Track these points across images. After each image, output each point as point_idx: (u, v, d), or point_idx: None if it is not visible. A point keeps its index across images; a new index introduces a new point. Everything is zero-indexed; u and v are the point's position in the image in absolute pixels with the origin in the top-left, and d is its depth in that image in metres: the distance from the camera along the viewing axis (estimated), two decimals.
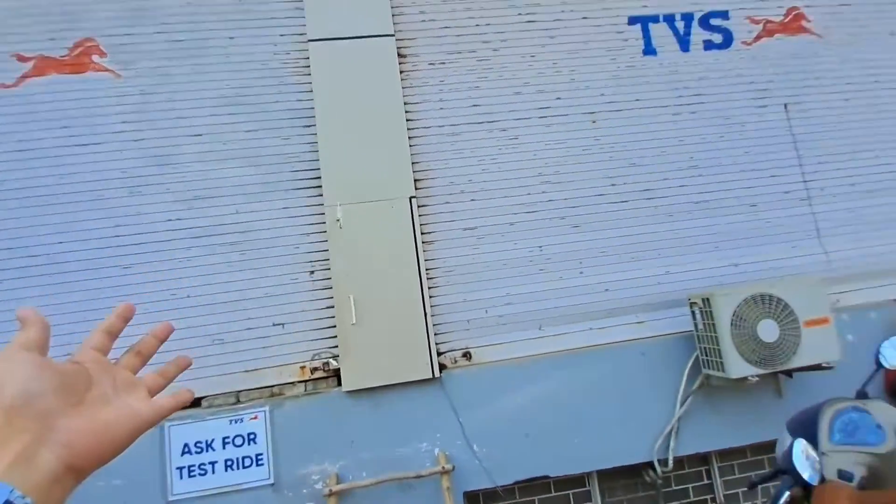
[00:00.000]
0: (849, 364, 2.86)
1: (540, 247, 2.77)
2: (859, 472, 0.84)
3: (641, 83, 3.05)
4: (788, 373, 2.57)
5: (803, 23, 3.33)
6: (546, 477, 2.56)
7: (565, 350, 2.65)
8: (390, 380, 2.47)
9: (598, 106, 2.98)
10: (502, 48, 2.98)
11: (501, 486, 2.50)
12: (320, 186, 2.64)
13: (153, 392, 0.45)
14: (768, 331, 2.47)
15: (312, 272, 2.61)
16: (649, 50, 3.12)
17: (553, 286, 2.73)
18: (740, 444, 2.75)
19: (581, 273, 2.77)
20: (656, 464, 2.60)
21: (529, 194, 2.83)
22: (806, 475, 0.87)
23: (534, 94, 2.95)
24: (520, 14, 3.02)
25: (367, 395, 2.47)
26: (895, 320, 3.10)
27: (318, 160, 2.66)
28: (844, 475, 0.83)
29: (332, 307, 2.53)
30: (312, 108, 2.70)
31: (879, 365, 0.95)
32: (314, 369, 2.52)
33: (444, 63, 2.91)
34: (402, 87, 2.78)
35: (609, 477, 2.68)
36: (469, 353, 2.65)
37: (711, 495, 2.82)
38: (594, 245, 2.80)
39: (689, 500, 2.79)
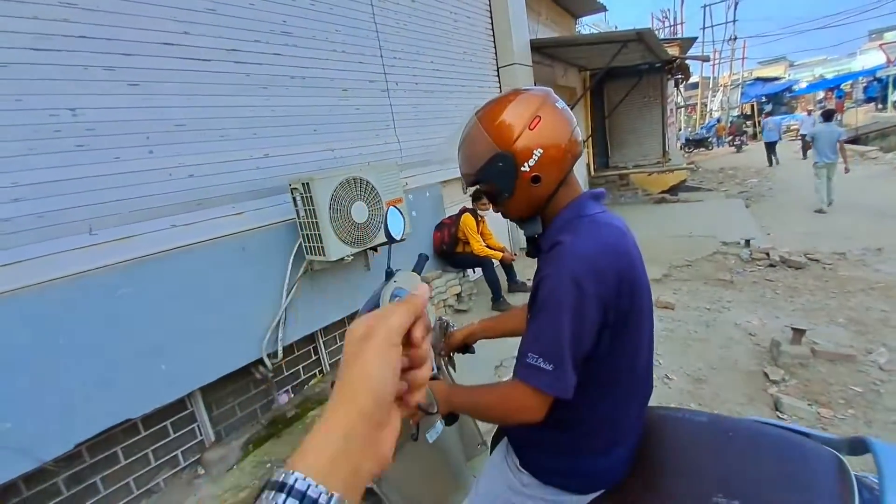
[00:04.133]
0: (414, 235, 3.58)
1: (72, 110, 1.81)
2: None
3: None
4: (374, 248, 2.91)
5: None
6: (128, 421, 1.98)
7: (135, 258, 1.96)
8: None
9: None
10: None
11: (54, 461, 1.76)
12: None
13: None
14: (360, 212, 2.64)
15: None
16: None
17: (105, 170, 1.89)
18: (340, 317, 3.01)
19: (151, 153, 2.03)
20: (265, 359, 2.48)
21: (39, 19, 1.73)
22: None
23: None
24: None
25: None
26: (439, 198, 4.07)
27: None
28: None
29: None
30: None
31: (391, 239, 1.01)
32: None
33: None
34: None
35: (214, 389, 2.37)
36: None
37: (319, 368, 3.03)
38: (165, 115, 2.08)
39: (300, 379, 2.89)
